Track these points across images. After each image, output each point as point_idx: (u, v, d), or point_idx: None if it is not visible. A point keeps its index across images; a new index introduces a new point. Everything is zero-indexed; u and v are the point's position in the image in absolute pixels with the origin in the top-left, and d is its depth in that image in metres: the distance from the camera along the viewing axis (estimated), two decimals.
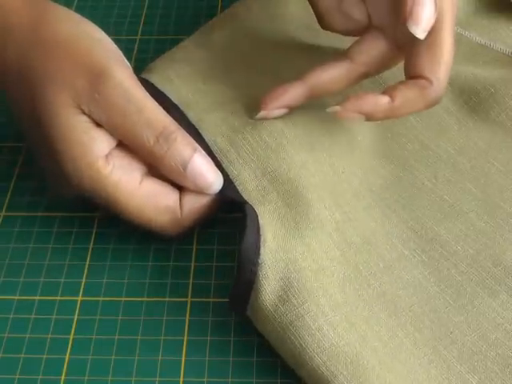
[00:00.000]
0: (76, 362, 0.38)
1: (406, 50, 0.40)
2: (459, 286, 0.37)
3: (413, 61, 0.39)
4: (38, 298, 0.40)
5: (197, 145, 0.39)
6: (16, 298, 0.40)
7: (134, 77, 0.39)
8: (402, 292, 0.37)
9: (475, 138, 0.43)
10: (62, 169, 0.38)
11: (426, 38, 0.38)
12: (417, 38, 0.38)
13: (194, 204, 0.39)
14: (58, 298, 0.40)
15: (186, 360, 0.37)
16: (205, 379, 0.37)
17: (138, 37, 0.55)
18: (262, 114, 0.42)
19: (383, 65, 0.42)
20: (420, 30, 0.38)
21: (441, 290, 0.37)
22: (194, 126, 0.41)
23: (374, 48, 0.41)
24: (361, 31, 0.42)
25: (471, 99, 0.45)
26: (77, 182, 0.38)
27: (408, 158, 0.42)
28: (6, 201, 0.45)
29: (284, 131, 0.41)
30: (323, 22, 0.43)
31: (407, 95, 0.39)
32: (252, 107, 0.43)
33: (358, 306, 0.36)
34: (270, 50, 0.47)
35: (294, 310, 0.35)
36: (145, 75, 0.46)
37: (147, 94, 0.39)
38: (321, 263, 0.37)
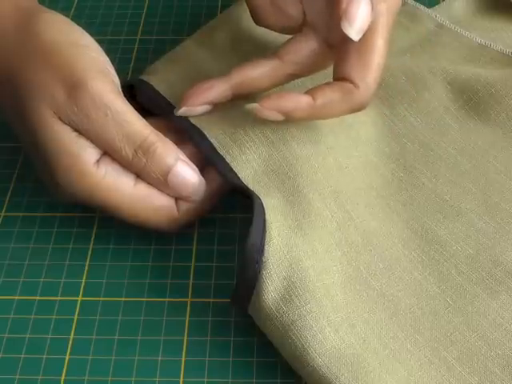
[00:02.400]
0: (76, 362, 0.38)
1: (337, 50, 0.39)
2: (459, 287, 0.37)
3: (342, 62, 0.38)
4: (38, 298, 0.40)
5: (179, 152, 0.39)
6: (16, 297, 0.40)
7: (115, 88, 0.39)
8: (401, 293, 0.37)
9: (475, 137, 0.43)
10: (55, 179, 0.38)
11: (357, 41, 0.37)
12: (348, 40, 0.37)
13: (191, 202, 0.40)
14: (58, 298, 0.40)
15: (185, 360, 0.37)
16: (205, 379, 0.37)
17: (138, 37, 0.55)
18: (182, 110, 0.41)
19: (313, 65, 0.41)
20: (354, 31, 0.36)
21: (441, 290, 0.37)
22: (195, 125, 0.41)
23: (304, 47, 0.40)
24: (295, 29, 0.41)
25: (471, 99, 0.45)
26: (71, 190, 0.38)
27: (408, 158, 0.42)
28: (6, 201, 0.45)
29: (288, 126, 0.41)
30: (257, 17, 0.42)
31: (330, 97, 0.38)
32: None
33: (359, 308, 0.36)
34: (269, 49, 0.47)
35: (297, 310, 0.35)
36: (145, 77, 0.46)
37: (128, 105, 0.39)
38: (323, 263, 0.37)
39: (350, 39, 0.37)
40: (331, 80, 0.39)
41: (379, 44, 0.38)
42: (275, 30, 0.42)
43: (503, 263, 0.38)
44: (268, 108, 0.38)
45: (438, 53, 0.48)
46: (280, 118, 0.38)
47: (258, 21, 0.42)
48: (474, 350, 0.35)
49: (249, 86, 0.41)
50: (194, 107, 0.41)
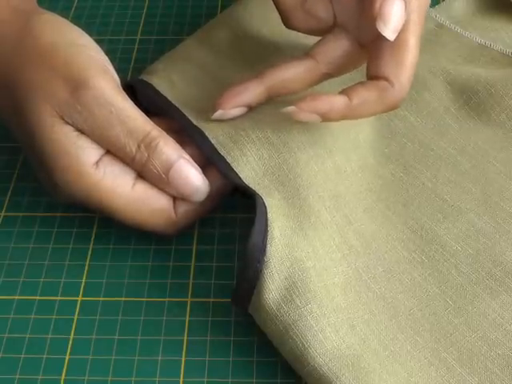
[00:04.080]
0: (76, 362, 0.38)
1: (369, 49, 0.39)
2: (459, 287, 0.37)
3: (375, 61, 0.38)
4: (38, 297, 0.40)
5: (182, 151, 0.39)
6: (16, 297, 0.40)
7: (116, 85, 0.39)
8: (401, 296, 0.37)
9: (475, 137, 0.43)
10: (53, 180, 0.38)
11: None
12: (381, 39, 0.37)
13: (189, 204, 0.40)
14: (58, 298, 0.40)
15: (185, 360, 0.37)
16: (205, 379, 0.37)
17: (138, 37, 0.55)
18: (218, 113, 0.41)
19: (346, 65, 0.41)
20: (390, 31, 0.36)
21: (441, 291, 0.37)
22: (196, 125, 0.41)
23: (337, 47, 0.40)
24: (326, 30, 0.41)
25: (471, 99, 0.45)
26: (68, 191, 0.38)
27: (408, 158, 0.42)
28: (6, 201, 0.45)
29: (288, 128, 0.40)
30: (287, 21, 0.42)
31: (365, 96, 0.38)
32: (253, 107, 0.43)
33: (359, 309, 0.36)
34: (269, 50, 0.47)
35: (297, 310, 0.35)
36: (145, 77, 0.46)
37: (129, 101, 0.39)
38: (324, 264, 0.37)
39: (386, 39, 0.37)
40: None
41: (412, 42, 0.37)
42: (306, 33, 0.42)
43: (503, 263, 0.38)
44: (304, 110, 0.38)
45: (438, 53, 0.48)
46: (317, 119, 0.38)
47: (288, 24, 0.42)
48: (474, 350, 0.35)
49: (283, 87, 0.41)
50: (229, 110, 0.41)
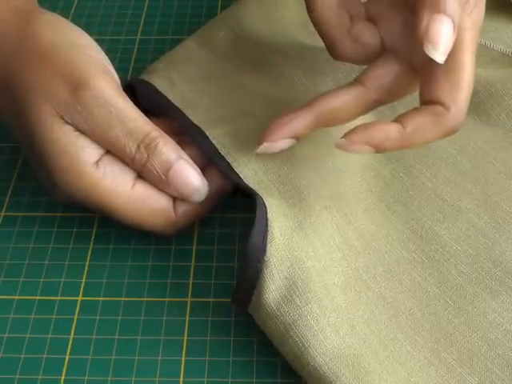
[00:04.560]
0: (76, 362, 0.38)
1: (421, 73, 0.37)
2: (459, 287, 0.37)
3: (428, 85, 0.36)
4: (38, 297, 0.40)
5: (181, 151, 0.39)
6: (16, 297, 0.40)
7: (116, 85, 0.39)
8: (401, 296, 0.37)
9: (475, 137, 0.43)
10: (52, 180, 0.38)
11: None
12: (433, 61, 0.34)
13: (188, 204, 0.40)
14: (58, 298, 0.40)
15: (185, 360, 0.37)
16: (205, 379, 0.37)
17: (138, 37, 0.55)
18: (264, 146, 0.38)
19: (398, 91, 0.38)
20: (439, 54, 0.34)
21: (441, 291, 0.37)
22: (196, 125, 0.41)
23: (387, 73, 0.38)
24: (374, 56, 0.39)
25: (471, 99, 0.44)
26: (68, 191, 0.38)
27: (408, 158, 0.42)
28: (6, 201, 0.45)
29: None
30: (334, 51, 0.39)
31: (421, 123, 0.35)
32: (253, 106, 0.43)
33: (359, 309, 0.36)
34: (270, 49, 0.47)
35: (298, 309, 0.35)
36: (145, 76, 0.46)
37: (129, 101, 0.39)
38: (324, 264, 0.37)
39: (435, 62, 0.34)
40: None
41: (467, 61, 0.35)
42: (354, 62, 0.40)
43: (503, 263, 0.38)
44: (356, 142, 0.35)
45: None
46: (370, 151, 0.35)
47: (335, 54, 0.39)
48: (473, 350, 0.35)
49: (333, 115, 0.38)
50: (276, 142, 0.38)
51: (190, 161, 0.39)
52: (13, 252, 0.43)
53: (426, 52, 0.34)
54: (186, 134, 0.42)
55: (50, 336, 0.39)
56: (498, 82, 0.44)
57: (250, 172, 0.39)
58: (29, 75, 0.38)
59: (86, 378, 0.37)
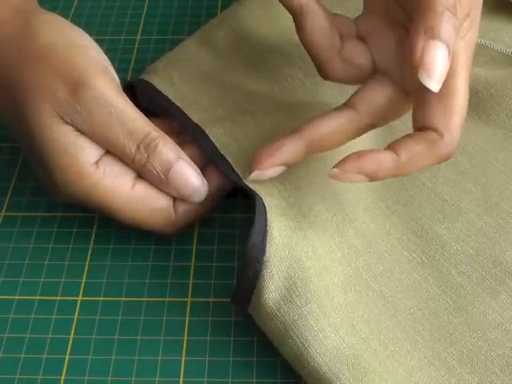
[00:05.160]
0: (76, 362, 0.38)
1: (414, 97, 0.36)
2: (459, 287, 0.37)
3: (421, 111, 0.35)
4: (38, 297, 0.40)
5: (181, 152, 0.39)
6: (16, 297, 0.40)
7: (116, 85, 0.39)
8: (401, 295, 0.37)
9: (475, 137, 0.43)
10: (52, 180, 0.38)
11: None
12: (436, 91, 0.33)
13: (188, 204, 0.40)
14: (58, 298, 0.40)
15: (185, 360, 0.37)
16: (205, 379, 0.37)
17: (138, 37, 0.55)
18: (254, 174, 0.37)
19: (390, 114, 0.38)
20: (433, 81, 0.33)
21: (441, 291, 0.37)
22: (197, 124, 0.41)
23: (379, 95, 0.37)
24: (365, 78, 0.38)
25: (471, 99, 0.44)
26: (68, 191, 0.38)
27: None
28: (6, 201, 0.45)
29: (288, 127, 0.40)
30: (325, 73, 0.38)
31: (414, 150, 0.34)
32: (253, 106, 0.43)
33: (359, 309, 0.36)
34: (269, 49, 0.47)
35: (297, 309, 0.35)
36: (146, 76, 0.46)
37: (129, 102, 0.39)
38: (324, 263, 0.37)
39: (430, 90, 0.33)
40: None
41: (460, 86, 0.34)
42: (345, 83, 0.39)
43: (503, 263, 0.38)
44: (349, 172, 0.34)
45: None
46: (364, 180, 0.35)
47: (324, 75, 0.38)
48: (474, 350, 0.35)
49: (323, 141, 0.37)
50: (266, 170, 0.37)
51: (190, 161, 0.39)
52: (13, 252, 0.43)
53: (421, 80, 0.33)
54: (187, 134, 0.42)
55: (49, 336, 0.39)
56: (498, 82, 0.44)
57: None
58: (28, 75, 0.38)
59: (86, 377, 0.37)
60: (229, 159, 0.40)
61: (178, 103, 0.43)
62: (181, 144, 0.40)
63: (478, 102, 0.44)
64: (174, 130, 0.42)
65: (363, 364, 0.34)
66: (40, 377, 0.37)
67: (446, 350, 0.35)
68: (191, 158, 0.40)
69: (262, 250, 0.36)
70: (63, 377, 0.37)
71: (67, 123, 0.38)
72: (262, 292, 0.36)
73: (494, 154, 0.43)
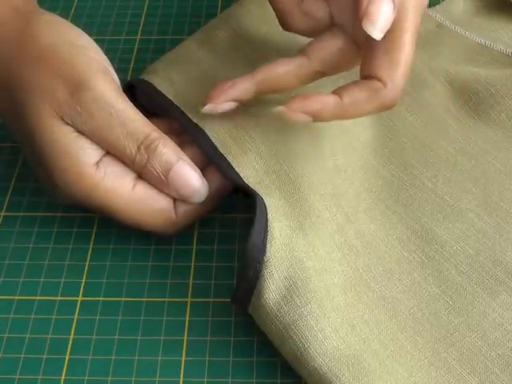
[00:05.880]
0: (76, 362, 0.38)
1: (364, 49, 0.39)
2: (459, 287, 0.37)
3: (369, 61, 0.37)
4: (38, 298, 0.40)
5: (181, 152, 0.39)
6: (16, 297, 0.40)
7: (116, 86, 0.39)
8: (401, 295, 0.37)
9: (475, 137, 0.43)
10: (53, 181, 0.38)
11: (384, 38, 0.36)
12: (372, 38, 0.36)
13: (189, 205, 0.40)
14: (58, 298, 0.40)
15: (185, 360, 0.37)
16: (205, 379, 0.37)
17: (138, 37, 0.55)
18: (208, 107, 0.40)
19: (340, 64, 0.40)
20: (376, 31, 0.36)
21: (441, 291, 0.37)
22: (196, 124, 0.41)
23: (331, 45, 0.40)
24: (323, 31, 0.40)
25: (471, 99, 0.45)
26: (68, 192, 0.38)
27: (408, 158, 0.42)
28: (6, 201, 0.45)
29: (289, 127, 0.40)
30: (284, 22, 0.41)
31: (357, 95, 0.37)
32: (254, 105, 0.43)
33: (359, 309, 0.36)
34: (269, 49, 0.47)
35: (297, 310, 0.35)
36: (145, 76, 0.46)
37: (129, 103, 0.39)
38: (324, 264, 0.37)
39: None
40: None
41: (406, 41, 0.37)
42: (303, 34, 0.41)
43: (503, 263, 0.38)
44: (294, 110, 0.37)
45: (438, 53, 0.48)
46: (308, 119, 0.37)
47: (286, 27, 0.41)
48: (474, 350, 0.35)
49: (274, 83, 0.40)
50: (219, 104, 0.40)
51: (190, 162, 0.39)
52: (13, 252, 0.43)
53: (364, 28, 0.36)
54: (187, 134, 0.42)
55: (49, 336, 0.39)
56: (498, 81, 0.44)
57: (250, 171, 0.39)
58: (28, 76, 0.38)
59: (86, 377, 0.37)
60: (229, 159, 0.40)
61: (178, 103, 0.43)
62: (181, 144, 0.40)
63: (478, 102, 0.44)
64: (174, 130, 0.42)
65: (363, 364, 0.34)
66: (40, 377, 0.37)
67: (446, 350, 0.35)
68: (191, 158, 0.40)
69: (262, 250, 0.36)
70: (63, 377, 0.37)
71: (67, 124, 0.38)
72: (262, 292, 0.36)
73: (494, 154, 0.43)
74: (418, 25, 0.38)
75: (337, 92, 0.37)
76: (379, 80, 0.37)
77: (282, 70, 0.40)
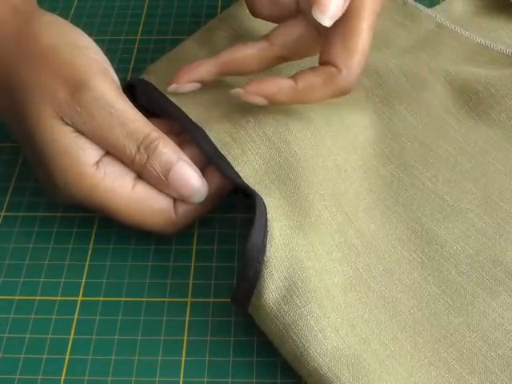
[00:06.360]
0: (76, 362, 0.38)
1: (322, 36, 0.40)
2: (459, 287, 0.37)
3: (326, 47, 0.39)
4: (38, 298, 0.40)
5: (181, 152, 0.39)
6: (16, 297, 0.40)
7: (116, 86, 0.39)
8: (401, 295, 0.37)
9: (475, 137, 0.43)
10: (53, 181, 0.38)
11: (341, 26, 0.37)
12: (334, 25, 0.37)
13: (189, 205, 0.40)
14: (58, 298, 0.40)
15: (185, 360, 0.37)
16: (205, 379, 0.37)
17: (138, 37, 0.55)
18: (172, 87, 0.43)
19: (301, 50, 0.42)
20: (325, 17, 0.37)
21: (441, 291, 0.37)
22: (196, 124, 0.41)
23: (293, 31, 0.41)
24: (289, 17, 0.42)
25: (471, 99, 0.45)
26: (68, 192, 0.38)
27: (408, 158, 0.42)
28: (6, 201, 0.45)
29: (289, 127, 0.40)
30: (253, 9, 0.43)
31: (312, 81, 0.38)
32: (253, 105, 0.43)
33: (359, 309, 0.36)
34: None
35: (297, 310, 0.35)
36: (145, 76, 0.46)
37: (129, 103, 0.39)
38: (324, 263, 0.37)
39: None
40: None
41: (363, 29, 0.38)
42: (271, 21, 0.43)
43: (503, 263, 0.38)
44: (251, 92, 0.39)
45: (438, 53, 0.48)
46: (263, 102, 0.39)
47: (254, 13, 0.43)
48: (474, 350, 0.35)
49: (236, 66, 0.42)
50: (183, 84, 0.43)
51: (190, 162, 0.39)
52: (13, 252, 0.43)
53: (314, 15, 0.37)
54: (187, 134, 0.42)
55: (49, 336, 0.39)
56: (497, 82, 0.44)
57: (250, 171, 0.39)
58: (28, 76, 0.38)
59: (86, 377, 0.37)
60: (229, 159, 0.40)
61: (178, 103, 0.43)
62: (181, 144, 0.40)
63: (478, 102, 0.44)
64: (174, 130, 0.42)
65: (363, 364, 0.34)
66: (40, 377, 0.37)
67: (446, 350, 0.35)
68: (191, 158, 0.40)
69: (262, 250, 0.36)
70: (63, 377, 0.37)
71: (67, 124, 0.38)
72: (262, 292, 0.36)
73: (494, 154, 0.43)
74: (377, 13, 0.39)
75: (293, 77, 0.39)
76: (335, 66, 0.38)
77: (244, 53, 0.42)
